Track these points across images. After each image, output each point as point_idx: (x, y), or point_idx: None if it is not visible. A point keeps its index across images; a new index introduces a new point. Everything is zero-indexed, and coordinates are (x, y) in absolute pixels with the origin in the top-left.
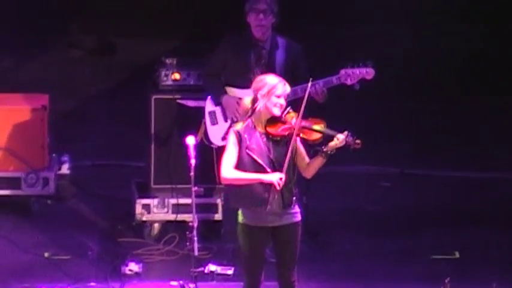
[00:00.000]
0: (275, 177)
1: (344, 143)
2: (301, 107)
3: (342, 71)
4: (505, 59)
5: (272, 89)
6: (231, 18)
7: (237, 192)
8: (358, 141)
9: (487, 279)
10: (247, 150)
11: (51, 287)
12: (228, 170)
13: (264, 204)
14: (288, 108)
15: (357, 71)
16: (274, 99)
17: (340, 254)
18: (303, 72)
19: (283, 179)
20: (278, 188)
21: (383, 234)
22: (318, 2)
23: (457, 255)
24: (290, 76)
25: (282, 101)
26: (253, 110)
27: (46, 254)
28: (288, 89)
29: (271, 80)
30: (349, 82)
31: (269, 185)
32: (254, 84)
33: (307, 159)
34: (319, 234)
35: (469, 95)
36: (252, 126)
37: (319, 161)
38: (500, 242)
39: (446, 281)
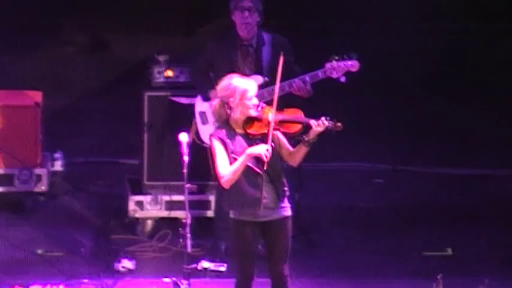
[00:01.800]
0: (262, 150)
1: (324, 128)
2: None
3: (327, 65)
4: (499, 57)
5: (244, 94)
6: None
7: (229, 196)
8: (338, 124)
9: (479, 276)
10: (232, 155)
11: (44, 284)
12: (225, 169)
13: (257, 204)
14: (261, 104)
15: (341, 63)
16: (248, 102)
17: (332, 250)
18: (291, 66)
19: (270, 150)
20: (266, 159)
21: (375, 230)
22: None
23: (450, 251)
24: None
25: (255, 101)
26: (227, 116)
27: (39, 251)
28: (255, 85)
29: (239, 84)
30: (334, 75)
31: (260, 184)
32: (221, 92)
33: (290, 148)
34: (311, 233)
35: (462, 92)
36: (231, 131)
37: (303, 150)
38: (492, 239)
39: (438, 277)
